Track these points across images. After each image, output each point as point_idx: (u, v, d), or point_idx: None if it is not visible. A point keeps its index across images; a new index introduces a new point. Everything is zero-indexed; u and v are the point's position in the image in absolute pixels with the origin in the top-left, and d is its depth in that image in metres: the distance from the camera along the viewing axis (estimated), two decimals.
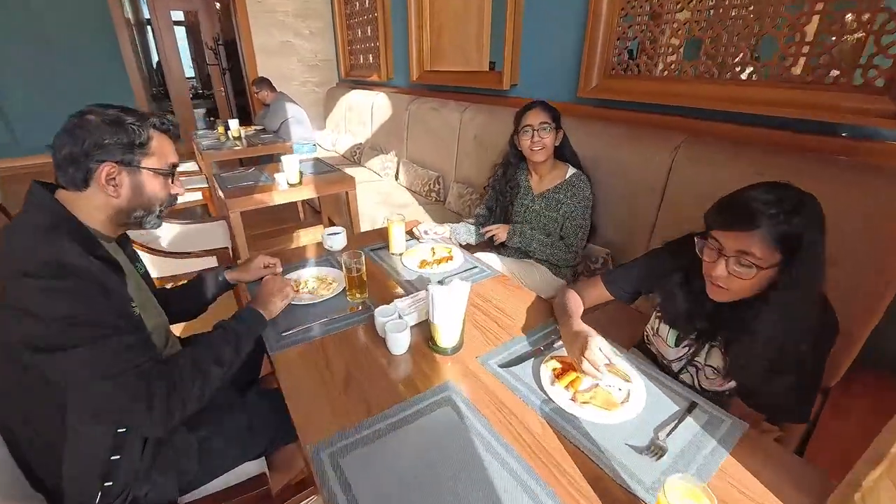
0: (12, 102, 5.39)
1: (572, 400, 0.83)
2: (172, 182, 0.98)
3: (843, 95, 1.28)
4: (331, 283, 1.26)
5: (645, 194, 1.67)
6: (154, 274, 2.14)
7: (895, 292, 1.12)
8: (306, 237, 3.48)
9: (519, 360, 0.95)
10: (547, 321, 1.11)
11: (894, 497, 0.55)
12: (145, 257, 2.04)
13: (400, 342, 0.97)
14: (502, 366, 0.94)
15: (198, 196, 3.32)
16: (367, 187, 3.10)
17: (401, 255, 1.44)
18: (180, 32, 7.54)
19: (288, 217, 3.73)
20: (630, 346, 1.33)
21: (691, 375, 1.05)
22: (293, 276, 1.29)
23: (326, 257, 1.46)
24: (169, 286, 1.29)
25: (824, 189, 1.13)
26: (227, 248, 2.25)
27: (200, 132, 4.10)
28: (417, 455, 0.74)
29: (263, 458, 1.10)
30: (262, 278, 1.29)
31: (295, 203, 3.95)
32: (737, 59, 1.51)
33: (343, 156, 4.15)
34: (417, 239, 1.58)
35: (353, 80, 4.52)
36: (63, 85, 5.08)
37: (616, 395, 0.85)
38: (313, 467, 0.72)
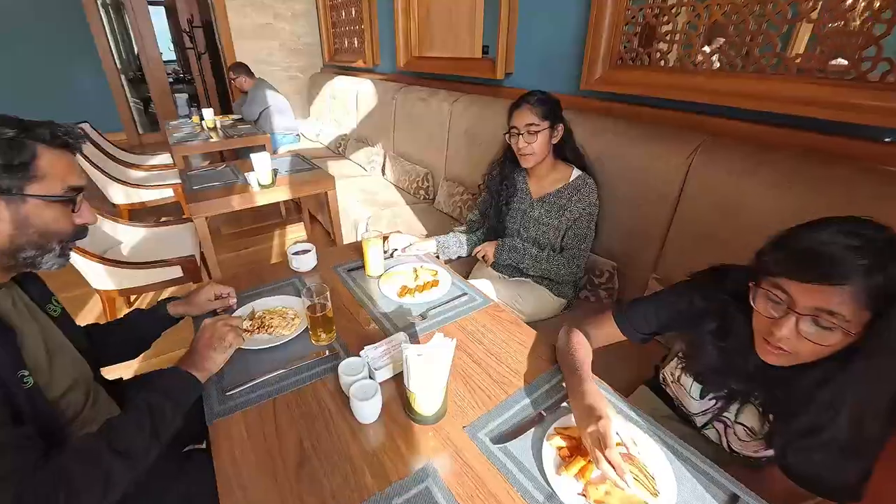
0: None
1: (583, 495, 0.65)
2: (76, 210, 0.77)
3: (890, 95, 1.09)
4: (293, 319, 1.06)
5: (656, 202, 1.47)
6: (110, 287, 1.93)
7: None
8: (293, 234, 3.26)
9: (515, 432, 0.77)
10: (549, 368, 0.93)
11: None
12: (95, 269, 1.83)
13: (367, 411, 0.78)
14: (495, 441, 0.75)
15: (169, 192, 3.08)
16: (350, 184, 2.88)
17: (379, 277, 1.25)
18: (159, 14, 7.14)
19: (268, 214, 3.51)
20: (638, 385, 1.17)
21: (718, 433, 0.88)
22: (246, 309, 1.09)
23: (293, 280, 1.26)
24: (103, 322, 1.10)
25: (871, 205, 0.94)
26: (193, 256, 2.03)
27: (174, 122, 3.82)
28: None
29: None
30: (213, 312, 1.10)
31: (276, 203, 3.72)
32: (764, 50, 1.30)
33: (328, 147, 3.91)
34: (390, 255, 1.38)
35: (337, 65, 4.25)
36: (28, 73, 4.75)
37: (637, 490, 0.66)
38: None
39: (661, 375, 1.04)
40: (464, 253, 1.61)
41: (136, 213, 3.18)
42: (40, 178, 0.70)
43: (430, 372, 0.72)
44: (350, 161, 3.43)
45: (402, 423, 0.80)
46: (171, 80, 7.36)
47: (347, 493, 0.67)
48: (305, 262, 1.28)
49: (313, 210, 3.19)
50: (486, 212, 1.65)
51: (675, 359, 0.95)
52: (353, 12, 3.71)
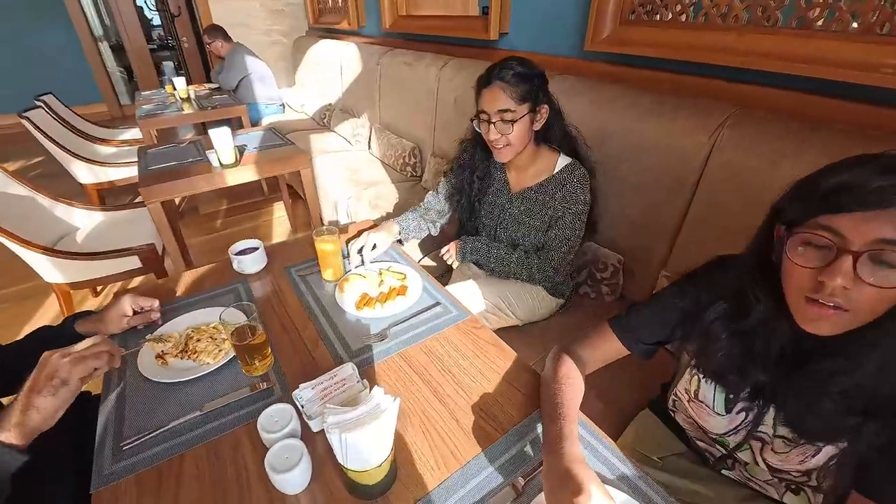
0: None
1: None
2: None
3: None
4: (225, 341, 0.87)
5: (671, 187, 1.25)
6: (59, 280, 1.75)
7: None
8: (277, 213, 3.05)
9: (488, 497, 0.58)
10: (531, 411, 0.74)
11: None
12: (39, 260, 1.64)
13: (291, 483, 0.59)
14: None
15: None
16: (332, 159, 2.65)
17: (336, 282, 1.05)
18: None
19: (248, 191, 3.28)
20: (641, 409, 0.99)
21: (753, 453, 0.71)
22: (164, 329, 0.90)
23: (236, 285, 1.06)
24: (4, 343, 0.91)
25: None
26: (153, 245, 1.84)
27: (146, 93, 3.55)
28: None
29: None
30: (133, 328, 0.91)
31: (259, 181, 3.49)
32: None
33: (312, 118, 3.63)
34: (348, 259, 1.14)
35: (322, 27, 3.91)
36: None
37: None
38: None
39: (670, 399, 0.86)
40: (434, 232, 1.38)
41: (107, 193, 2.97)
42: None
43: (361, 448, 0.53)
44: (335, 134, 3.17)
45: (340, 495, 0.61)
46: (155, 46, 6.99)
47: None
48: (251, 264, 1.08)
49: (296, 185, 2.96)
50: (453, 200, 1.36)
51: (689, 369, 0.76)
52: None
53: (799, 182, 0.56)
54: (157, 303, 0.92)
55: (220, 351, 0.84)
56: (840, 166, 0.52)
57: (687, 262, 1.19)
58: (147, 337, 0.87)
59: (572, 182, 1.14)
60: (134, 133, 3.35)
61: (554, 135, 1.17)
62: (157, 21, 7.43)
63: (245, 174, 1.88)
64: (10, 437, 0.58)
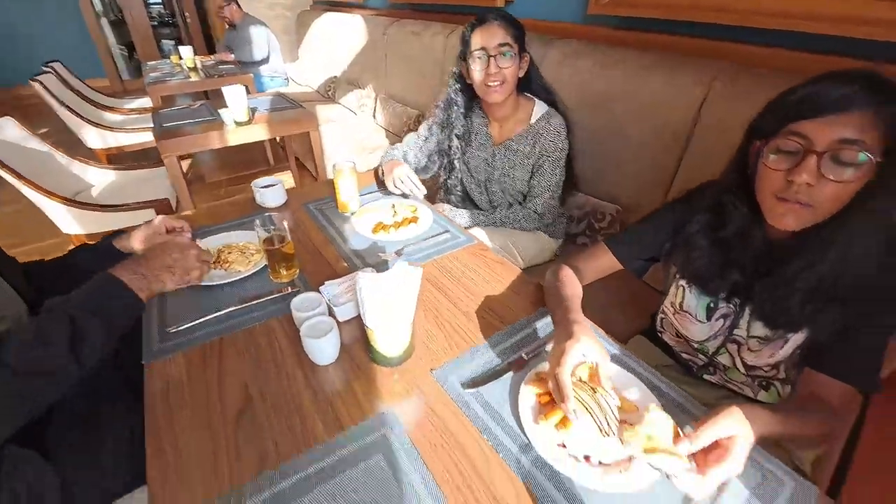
0: None
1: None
2: None
3: None
4: (253, 255, 0.95)
5: (665, 141, 1.32)
6: (79, 231, 1.82)
7: None
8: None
9: (490, 375, 0.67)
10: (535, 311, 0.82)
11: None
12: (60, 211, 1.71)
13: (322, 350, 0.68)
14: (467, 385, 0.66)
15: (149, 136, 2.90)
16: (337, 128, 2.70)
17: (352, 214, 1.12)
18: None
19: (253, 160, 3.34)
20: (633, 335, 1.07)
21: (731, 355, 0.81)
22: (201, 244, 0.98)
23: (258, 217, 1.14)
24: (49, 258, 0.99)
25: None
26: (167, 199, 1.91)
27: (152, 63, 3.58)
28: None
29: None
30: None
31: (262, 144, 3.55)
32: None
33: (317, 91, 3.68)
34: (393, 188, 1.20)
35: (326, 1, 3.93)
36: None
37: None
38: None
39: (658, 321, 0.95)
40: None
41: (116, 159, 3.02)
42: None
43: (388, 304, 0.61)
44: (340, 105, 3.22)
45: (364, 366, 0.70)
46: (155, 23, 6.96)
47: (292, 443, 0.58)
48: (272, 197, 1.15)
49: (301, 156, 3.03)
50: (432, 160, 1.40)
51: (674, 284, 0.85)
52: None
53: (770, 101, 0.64)
54: (187, 224, 1.00)
55: (249, 262, 0.92)
56: (805, 83, 0.60)
57: None
58: None
59: (549, 131, 1.21)
60: (141, 102, 3.39)
61: (533, 85, 1.24)
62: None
63: (258, 132, 1.95)
64: (143, 297, 0.75)
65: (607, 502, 0.52)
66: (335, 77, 3.48)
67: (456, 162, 1.37)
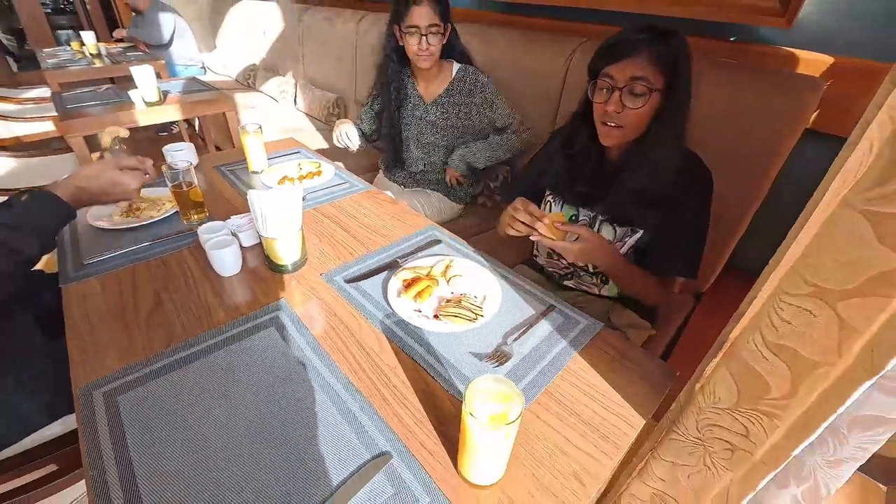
0: None
1: (435, 317, 0.73)
2: None
3: None
4: (163, 205, 1.05)
5: (542, 103, 1.56)
6: None
7: (762, 199, 1.13)
8: None
9: (369, 274, 0.84)
10: (414, 232, 0.99)
11: (729, 385, 0.52)
12: None
13: (225, 260, 0.81)
14: (349, 281, 0.82)
15: (48, 126, 2.75)
16: (257, 113, 2.74)
17: (260, 172, 1.24)
18: None
19: None
20: (517, 264, 1.28)
21: None
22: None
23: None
24: None
25: (711, 91, 1.08)
26: None
27: (48, 50, 3.37)
28: (219, 388, 0.61)
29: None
30: None
31: (180, 134, 3.46)
32: None
33: (236, 80, 3.64)
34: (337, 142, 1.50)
35: None
36: None
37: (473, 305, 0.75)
38: (78, 411, 0.57)
39: (534, 245, 1.16)
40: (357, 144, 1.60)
41: (14, 151, 2.83)
42: None
43: (277, 210, 0.75)
44: (260, 93, 3.23)
45: (264, 275, 0.84)
46: (49, 10, 6.39)
47: (197, 326, 0.71)
48: (182, 157, 1.23)
49: (221, 143, 3.01)
50: (380, 116, 1.60)
51: (543, 201, 1.06)
52: None
53: (596, 50, 0.85)
54: (150, 161, 1.00)
55: (160, 209, 1.02)
56: (612, 36, 0.83)
57: None
58: None
59: (469, 75, 1.45)
60: (38, 92, 3.19)
61: (453, 50, 1.46)
62: None
63: (169, 113, 1.97)
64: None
65: (445, 339, 0.70)
66: (254, 65, 3.48)
67: (396, 112, 1.54)
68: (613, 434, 0.57)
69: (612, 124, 0.84)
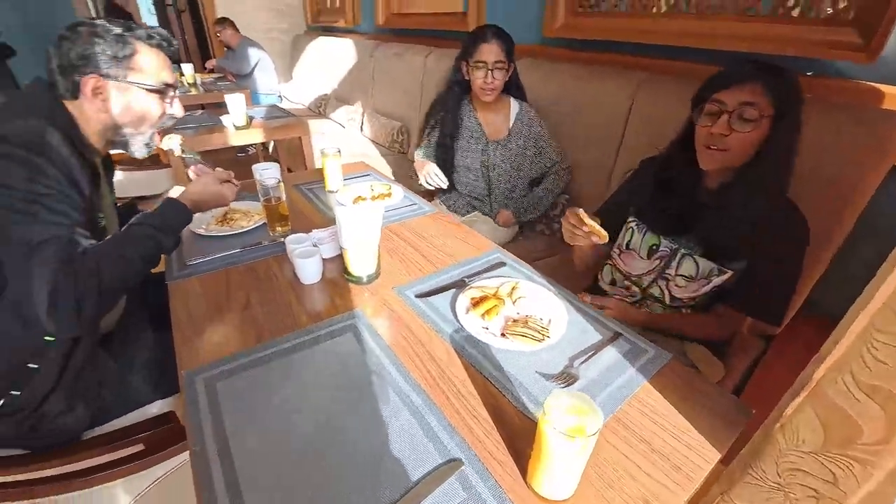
0: None
1: (502, 335, 0.76)
2: (170, 102, 0.93)
3: (809, 28, 1.20)
4: (252, 217, 1.16)
5: (604, 137, 1.58)
6: None
7: (843, 239, 1.07)
8: None
9: (438, 290, 0.88)
10: (480, 254, 1.03)
11: (815, 427, 0.50)
12: None
13: (308, 269, 0.88)
14: (419, 296, 0.86)
15: None
16: (325, 139, 2.94)
17: (336, 192, 1.34)
18: None
19: (247, 169, 3.54)
20: (581, 291, 1.28)
21: (661, 288, 1.03)
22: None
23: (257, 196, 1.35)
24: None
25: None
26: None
27: None
28: (304, 384, 0.66)
29: (175, 397, 1.02)
30: None
31: (256, 155, 3.77)
32: None
33: (308, 108, 3.94)
34: (426, 184, 1.60)
35: (320, 26, 4.25)
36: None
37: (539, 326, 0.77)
38: (185, 395, 0.64)
39: (601, 270, 1.16)
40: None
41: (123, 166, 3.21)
42: (138, 70, 0.85)
43: (359, 225, 0.82)
44: (330, 120, 3.47)
45: (341, 286, 0.90)
46: None
47: (282, 327, 0.78)
48: (269, 175, 1.36)
49: (291, 165, 3.24)
50: (439, 150, 1.66)
51: (624, 227, 1.08)
52: None
53: (704, 82, 0.90)
54: (233, 174, 1.16)
55: (250, 220, 1.13)
56: (721, 70, 0.88)
57: None
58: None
59: (530, 117, 1.53)
60: None
61: (513, 87, 1.54)
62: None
63: (254, 135, 2.17)
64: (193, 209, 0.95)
65: (512, 357, 0.72)
66: (326, 95, 3.75)
67: (448, 140, 1.62)
68: (686, 466, 0.56)
69: (717, 147, 0.85)
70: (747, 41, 1.29)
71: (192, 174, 1.14)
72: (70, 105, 0.85)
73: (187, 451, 0.82)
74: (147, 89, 0.88)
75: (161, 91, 0.91)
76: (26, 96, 0.86)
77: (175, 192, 1.15)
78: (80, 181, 0.80)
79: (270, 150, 3.75)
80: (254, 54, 3.77)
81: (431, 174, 1.57)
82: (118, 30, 0.84)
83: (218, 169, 1.11)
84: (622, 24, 1.63)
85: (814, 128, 1.06)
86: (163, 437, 0.94)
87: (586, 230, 0.87)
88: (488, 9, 2.25)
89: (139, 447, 0.93)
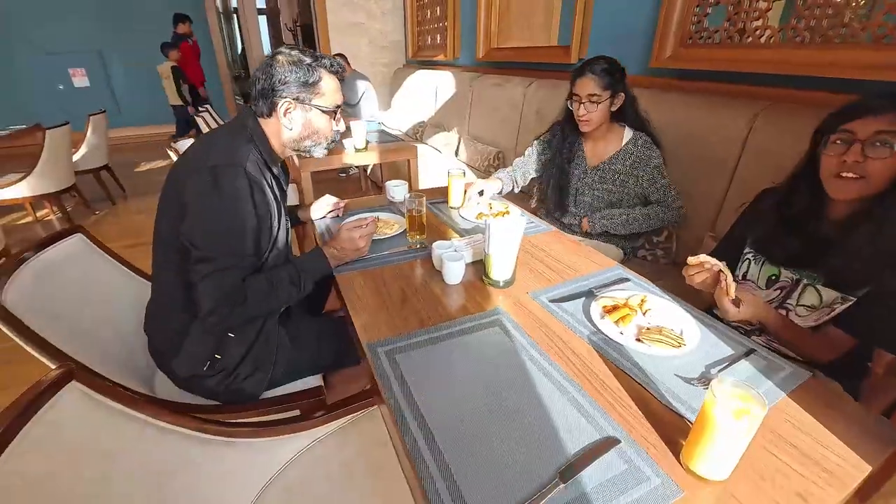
0: (118, 81, 6.13)
1: (638, 339, 0.83)
2: (336, 120, 1.11)
3: None
4: (393, 225, 1.34)
5: (716, 167, 1.59)
6: None
7: None
8: None
9: (570, 297, 0.97)
10: (603, 268, 1.11)
11: None
12: None
13: (455, 271, 1.01)
14: (553, 300, 0.96)
15: None
16: (424, 161, 3.17)
17: (459, 208, 1.49)
18: (261, 20, 8.05)
19: (350, 190, 3.91)
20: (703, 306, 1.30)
21: None
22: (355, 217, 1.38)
23: (388, 207, 1.54)
24: None
25: None
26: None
27: None
28: (467, 363, 0.78)
29: (321, 375, 1.20)
30: (327, 215, 1.41)
31: (358, 177, 4.13)
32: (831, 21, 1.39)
33: (406, 134, 4.26)
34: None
35: (419, 60, 4.61)
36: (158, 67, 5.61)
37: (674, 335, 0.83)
38: (371, 360, 0.79)
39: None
40: (515, 189, 1.78)
41: None
42: (321, 95, 1.05)
43: (506, 235, 0.94)
44: (426, 145, 3.74)
45: (480, 287, 1.02)
46: None
47: (437, 317, 0.91)
48: (400, 192, 1.55)
49: None
50: (546, 170, 1.74)
51: (742, 260, 1.10)
52: (438, 10, 4.05)
53: (828, 114, 0.90)
54: (343, 202, 1.41)
55: (392, 228, 1.30)
56: (850, 101, 0.87)
57: (728, 224, 1.54)
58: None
59: (639, 150, 1.53)
60: None
61: (627, 116, 1.57)
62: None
63: (371, 157, 2.44)
64: (333, 263, 1.11)
65: (649, 360, 0.79)
66: (423, 122, 4.05)
67: (566, 165, 1.68)
68: (838, 472, 0.59)
69: (852, 175, 0.83)
70: (884, 70, 1.27)
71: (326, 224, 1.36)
72: (263, 122, 1.04)
73: (330, 423, 0.98)
74: (323, 111, 1.06)
75: (333, 111, 1.08)
76: (234, 125, 1.06)
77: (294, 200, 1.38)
78: (266, 192, 0.99)
79: (368, 171, 4.11)
80: (361, 85, 4.18)
81: (472, 192, 1.55)
82: (309, 60, 1.02)
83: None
84: (737, 54, 1.65)
85: None
86: (312, 406, 1.12)
87: (723, 287, 0.86)
88: (592, 41, 2.36)
89: (295, 412, 1.10)
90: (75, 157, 3.47)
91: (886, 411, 1.12)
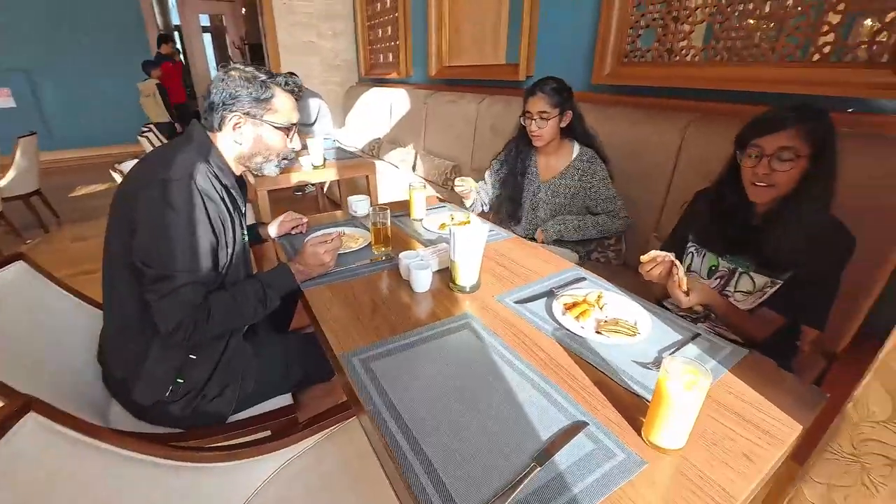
0: (48, 101, 5.75)
1: (597, 332, 0.89)
2: (290, 138, 1.11)
3: (850, 71, 1.34)
4: (357, 239, 1.35)
5: (655, 175, 1.73)
6: None
7: None
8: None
9: (533, 298, 1.02)
10: (561, 270, 1.18)
11: (882, 398, 0.61)
12: None
13: (422, 279, 1.04)
14: (517, 302, 1.01)
15: None
16: (382, 177, 3.20)
17: (421, 220, 1.53)
18: (206, 38, 7.85)
19: (307, 209, 3.85)
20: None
21: None
22: (320, 233, 1.39)
23: (351, 222, 1.55)
24: None
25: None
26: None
27: None
28: (441, 364, 0.81)
29: (290, 394, 1.18)
30: (288, 233, 1.40)
31: (315, 195, 4.09)
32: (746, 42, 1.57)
33: (361, 151, 4.27)
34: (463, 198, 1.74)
35: (372, 78, 4.67)
36: (94, 87, 5.33)
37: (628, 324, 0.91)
38: (346, 369, 0.80)
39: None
40: (485, 209, 1.88)
41: None
42: (274, 111, 1.04)
43: (470, 242, 0.98)
44: (383, 161, 3.77)
45: (447, 294, 1.06)
46: None
47: (407, 324, 0.94)
48: (363, 207, 1.57)
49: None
50: (506, 185, 1.83)
51: (684, 253, 1.21)
52: (390, 30, 4.14)
53: (743, 127, 1.02)
54: (304, 218, 1.41)
55: (357, 242, 1.32)
56: (761, 114, 1.00)
57: (669, 225, 1.67)
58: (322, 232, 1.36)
59: (584, 163, 1.64)
60: None
61: (576, 132, 1.68)
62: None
63: (328, 174, 2.44)
64: (299, 279, 1.10)
65: (608, 349, 0.85)
66: (378, 139, 4.08)
67: (519, 178, 1.78)
68: (775, 431, 0.67)
69: (763, 184, 0.97)
70: (790, 84, 1.45)
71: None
72: (214, 136, 1.04)
73: (304, 441, 0.97)
74: (276, 127, 1.06)
75: (287, 129, 1.09)
76: (187, 139, 1.03)
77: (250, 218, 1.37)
78: (219, 204, 0.99)
79: (325, 188, 4.07)
80: (314, 104, 4.16)
81: (459, 180, 1.71)
82: (263, 76, 1.02)
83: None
84: (668, 72, 1.82)
85: (861, 158, 1.19)
86: (284, 426, 1.10)
87: (676, 280, 0.95)
88: (538, 59, 2.50)
89: (267, 433, 1.08)
90: (2, 183, 3.22)
91: (815, 383, 1.26)
